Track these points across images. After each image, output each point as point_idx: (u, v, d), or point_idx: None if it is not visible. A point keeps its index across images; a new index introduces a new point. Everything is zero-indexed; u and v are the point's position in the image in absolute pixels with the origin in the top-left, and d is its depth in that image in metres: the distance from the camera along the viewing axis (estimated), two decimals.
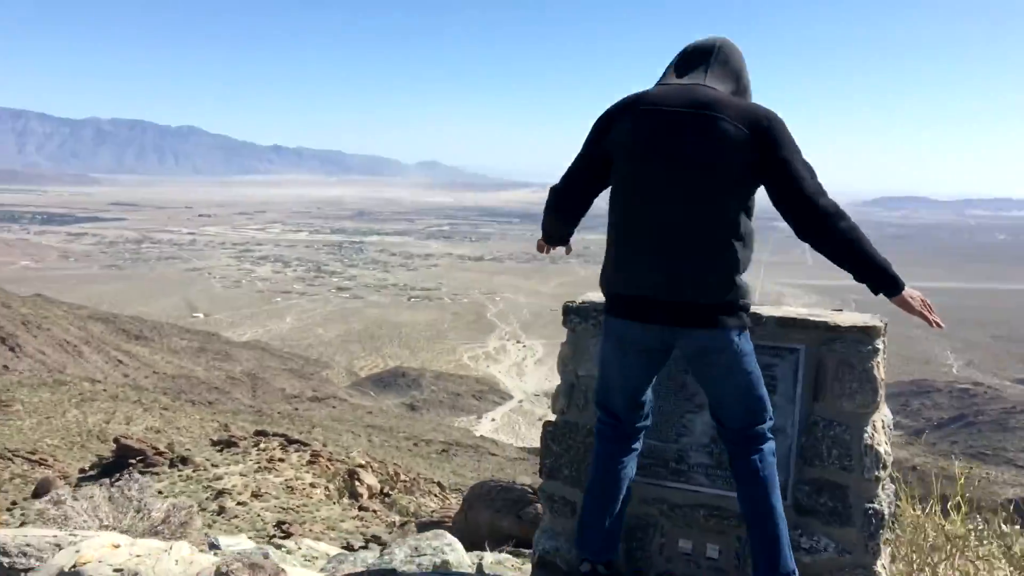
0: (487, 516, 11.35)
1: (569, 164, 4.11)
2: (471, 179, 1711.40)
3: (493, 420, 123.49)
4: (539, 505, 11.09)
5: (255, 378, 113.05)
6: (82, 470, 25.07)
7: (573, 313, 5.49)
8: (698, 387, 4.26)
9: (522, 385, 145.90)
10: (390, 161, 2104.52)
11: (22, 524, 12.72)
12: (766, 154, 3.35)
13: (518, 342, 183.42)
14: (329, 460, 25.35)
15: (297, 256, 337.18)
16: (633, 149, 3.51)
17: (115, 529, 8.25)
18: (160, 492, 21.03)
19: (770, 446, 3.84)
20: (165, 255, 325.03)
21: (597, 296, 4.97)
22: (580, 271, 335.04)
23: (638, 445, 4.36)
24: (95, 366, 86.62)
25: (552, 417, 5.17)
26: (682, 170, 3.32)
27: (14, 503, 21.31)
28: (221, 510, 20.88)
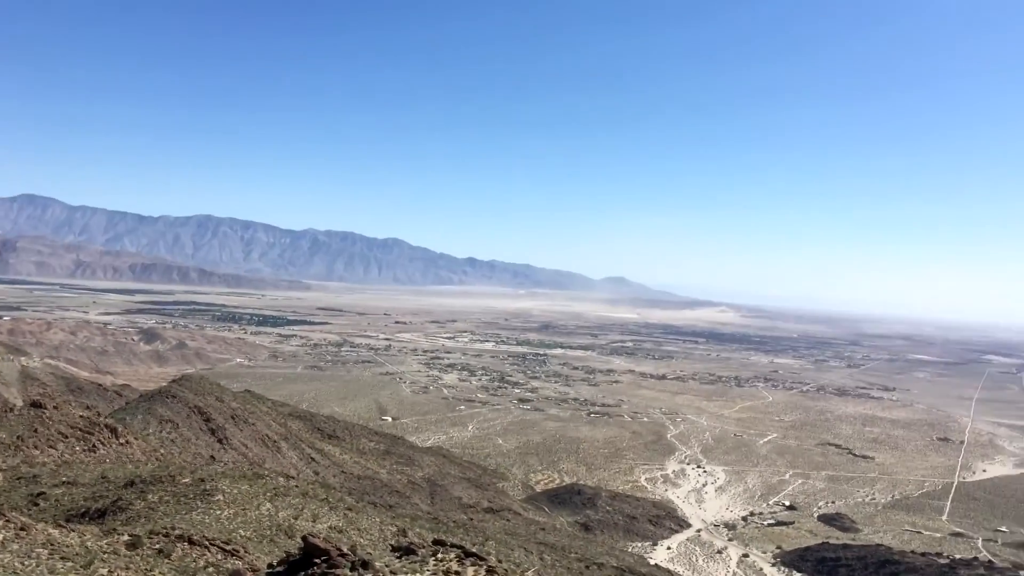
0: None
1: None
2: (657, 296, 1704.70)
3: (669, 548, 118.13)
4: None
5: (434, 484, 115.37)
6: (270, 565, 26.28)
7: None
8: None
9: (701, 513, 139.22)
10: (578, 276, 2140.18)
11: None
12: None
13: (698, 467, 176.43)
14: None
15: (483, 365, 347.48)
16: None
17: None
18: None
19: None
20: (362, 358, 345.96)
21: None
22: (768, 395, 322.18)
23: None
24: (290, 462, 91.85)
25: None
26: None
27: None
28: None
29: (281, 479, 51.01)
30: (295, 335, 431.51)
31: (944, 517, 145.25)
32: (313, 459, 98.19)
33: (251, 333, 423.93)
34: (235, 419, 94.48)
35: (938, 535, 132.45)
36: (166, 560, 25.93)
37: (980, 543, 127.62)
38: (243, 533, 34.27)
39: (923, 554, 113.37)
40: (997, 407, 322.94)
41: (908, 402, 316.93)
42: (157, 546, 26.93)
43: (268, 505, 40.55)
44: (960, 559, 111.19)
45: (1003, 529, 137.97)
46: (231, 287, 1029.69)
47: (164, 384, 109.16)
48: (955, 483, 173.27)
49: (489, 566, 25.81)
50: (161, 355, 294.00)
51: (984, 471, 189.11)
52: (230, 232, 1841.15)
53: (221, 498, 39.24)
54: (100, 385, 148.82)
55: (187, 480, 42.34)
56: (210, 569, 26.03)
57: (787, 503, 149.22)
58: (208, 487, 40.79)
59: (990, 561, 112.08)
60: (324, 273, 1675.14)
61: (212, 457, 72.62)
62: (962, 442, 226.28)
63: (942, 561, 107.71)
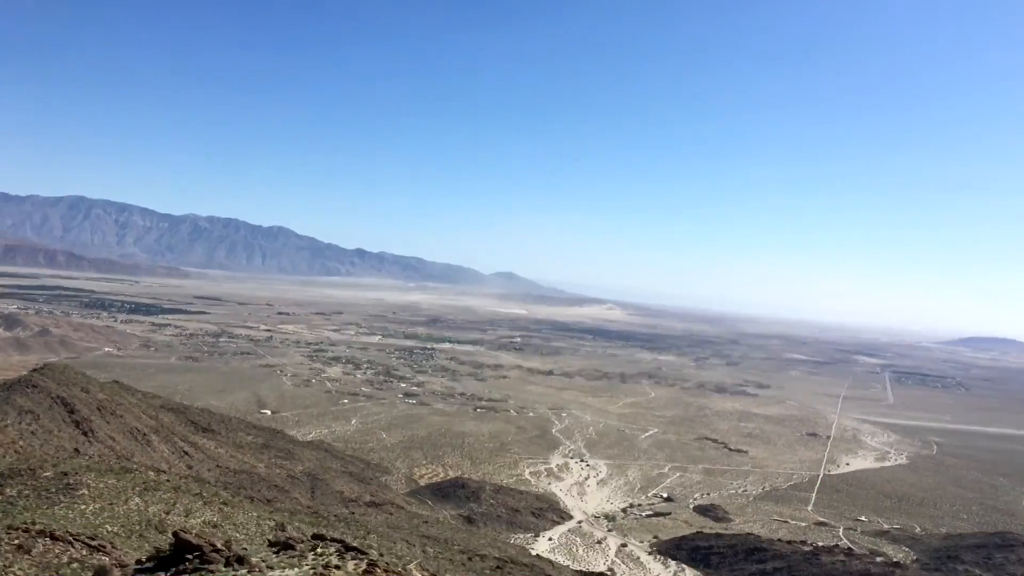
0: None
1: None
2: (546, 292, 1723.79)
3: (550, 539, 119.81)
4: None
5: (315, 479, 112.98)
6: (139, 561, 24.93)
7: None
8: None
9: (582, 505, 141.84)
10: (468, 270, 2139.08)
11: None
12: None
13: (581, 460, 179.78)
14: (386, 571, 24.63)
15: (368, 359, 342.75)
16: None
17: None
18: None
19: None
20: (241, 350, 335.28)
21: None
22: (650, 391, 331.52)
23: None
24: (161, 456, 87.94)
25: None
26: None
27: None
28: None
29: (151, 473, 48.79)
30: (170, 324, 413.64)
31: (810, 508, 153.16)
32: (186, 453, 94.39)
33: (122, 321, 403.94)
34: (102, 411, 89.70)
35: (803, 524, 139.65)
36: (26, 556, 24.28)
37: (841, 532, 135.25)
38: (110, 528, 32.48)
39: (789, 542, 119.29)
40: (862, 404, 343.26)
41: (781, 399, 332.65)
42: (16, 541, 25.17)
43: (137, 500, 38.64)
44: (822, 546, 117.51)
45: (862, 519, 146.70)
46: (102, 272, 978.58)
47: (25, 373, 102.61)
48: (820, 476, 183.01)
49: (370, 560, 25.27)
50: (22, 342, 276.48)
51: (847, 465, 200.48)
52: (103, 215, 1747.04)
53: (86, 492, 37.13)
54: None
55: (49, 474, 39.91)
56: (74, 565, 24.50)
57: (665, 495, 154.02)
58: (72, 481, 38.53)
59: (850, 548, 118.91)
60: (204, 261, 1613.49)
61: (76, 450, 68.79)
62: (828, 437, 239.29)
63: (806, 548, 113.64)
